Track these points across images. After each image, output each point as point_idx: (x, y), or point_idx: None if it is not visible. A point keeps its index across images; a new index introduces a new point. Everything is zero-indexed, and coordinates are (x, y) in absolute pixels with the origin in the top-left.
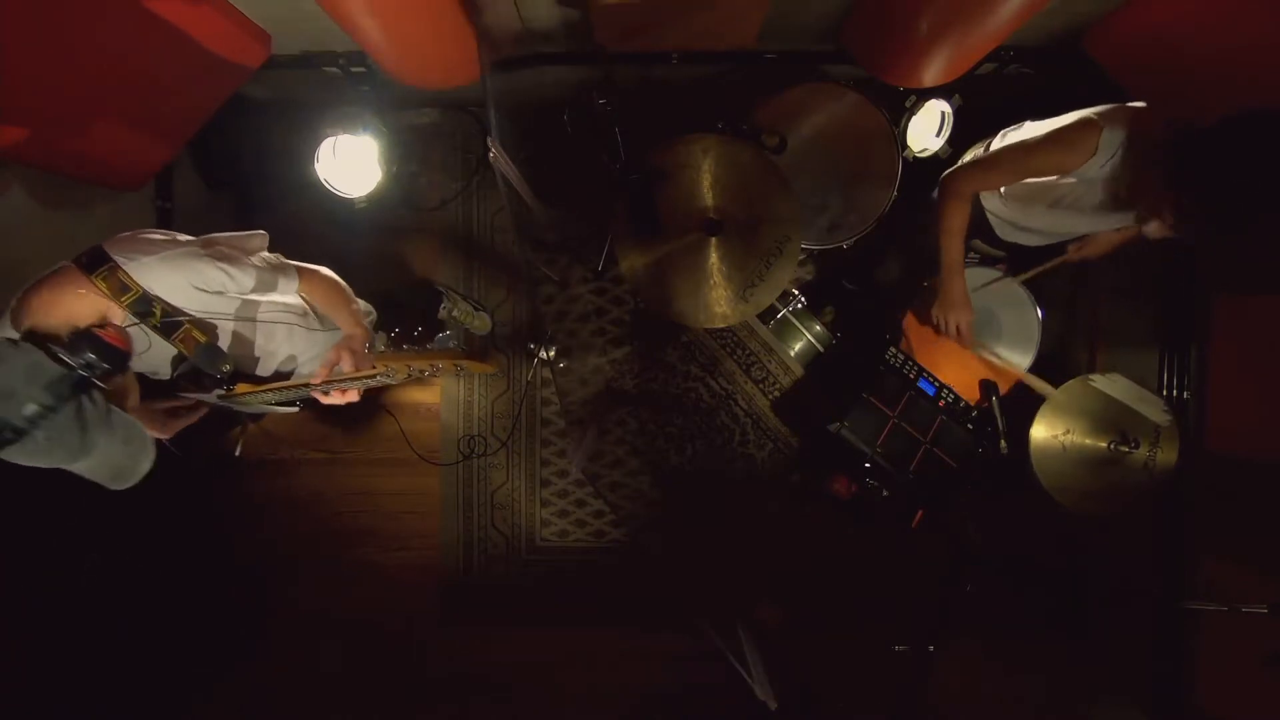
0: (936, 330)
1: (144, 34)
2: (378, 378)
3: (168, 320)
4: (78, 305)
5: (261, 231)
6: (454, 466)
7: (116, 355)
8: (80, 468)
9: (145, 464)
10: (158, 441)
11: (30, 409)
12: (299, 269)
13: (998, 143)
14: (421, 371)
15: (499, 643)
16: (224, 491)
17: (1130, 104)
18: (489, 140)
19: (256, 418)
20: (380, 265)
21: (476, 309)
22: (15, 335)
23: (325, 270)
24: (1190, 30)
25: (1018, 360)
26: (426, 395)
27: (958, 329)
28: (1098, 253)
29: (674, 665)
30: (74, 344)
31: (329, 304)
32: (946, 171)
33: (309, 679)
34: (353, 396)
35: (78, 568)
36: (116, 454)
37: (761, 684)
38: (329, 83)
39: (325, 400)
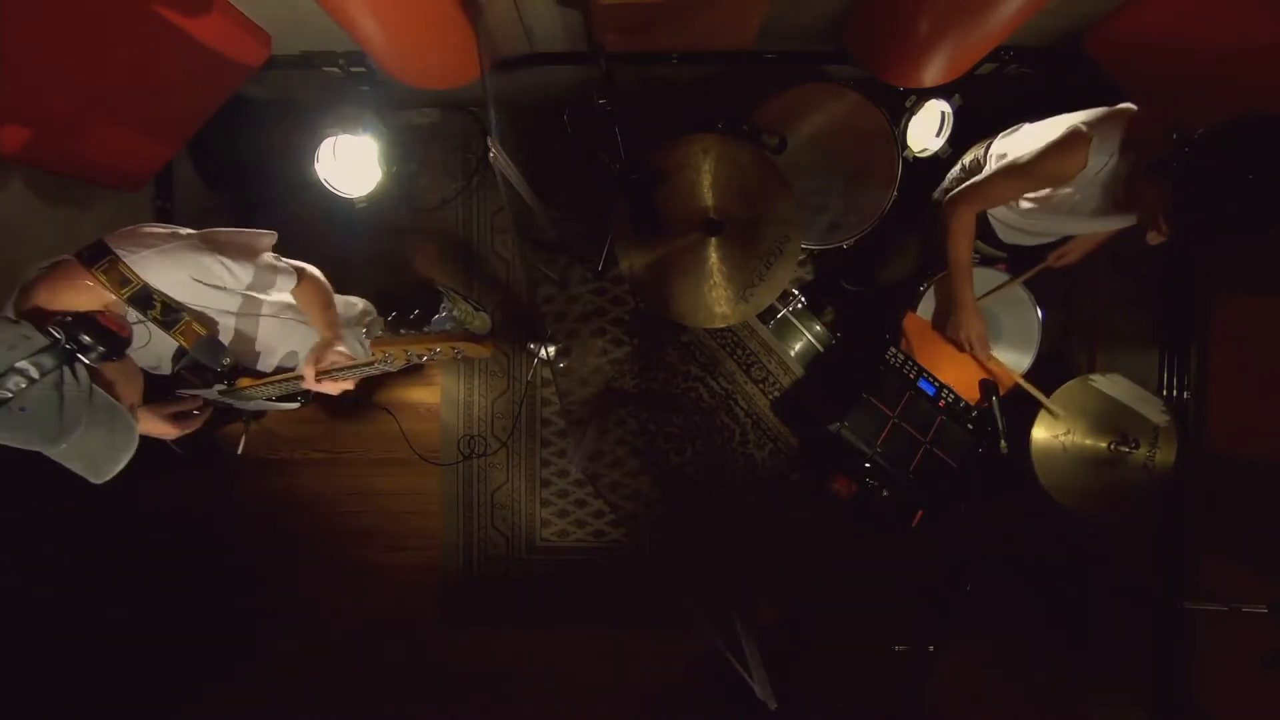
0: (953, 345)
1: (144, 34)
2: (375, 365)
3: (168, 313)
4: (78, 298)
5: (271, 231)
6: (454, 466)
7: (113, 340)
8: (59, 453)
9: (125, 456)
10: (160, 441)
11: (12, 381)
12: (298, 270)
13: (996, 144)
14: (419, 356)
15: (499, 643)
16: (224, 491)
17: (1120, 107)
18: (489, 140)
19: (258, 415)
20: (380, 265)
21: (476, 309)
22: (13, 317)
23: (314, 270)
24: (1190, 31)
25: (1018, 361)
26: (426, 395)
27: (971, 343)
28: (1077, 256)
29: (674, 665)
30: (70, 325)
31: (312, 307)
32: (947, 198)
33: (308, 679)
34: (347, 385)
35: (76, 568)
36: (98, 440)
37: (761, 684)
38: (329, 83)
39: (318, 387)
